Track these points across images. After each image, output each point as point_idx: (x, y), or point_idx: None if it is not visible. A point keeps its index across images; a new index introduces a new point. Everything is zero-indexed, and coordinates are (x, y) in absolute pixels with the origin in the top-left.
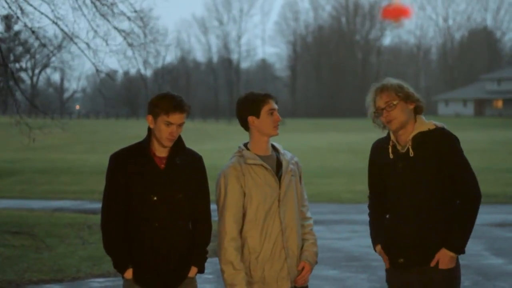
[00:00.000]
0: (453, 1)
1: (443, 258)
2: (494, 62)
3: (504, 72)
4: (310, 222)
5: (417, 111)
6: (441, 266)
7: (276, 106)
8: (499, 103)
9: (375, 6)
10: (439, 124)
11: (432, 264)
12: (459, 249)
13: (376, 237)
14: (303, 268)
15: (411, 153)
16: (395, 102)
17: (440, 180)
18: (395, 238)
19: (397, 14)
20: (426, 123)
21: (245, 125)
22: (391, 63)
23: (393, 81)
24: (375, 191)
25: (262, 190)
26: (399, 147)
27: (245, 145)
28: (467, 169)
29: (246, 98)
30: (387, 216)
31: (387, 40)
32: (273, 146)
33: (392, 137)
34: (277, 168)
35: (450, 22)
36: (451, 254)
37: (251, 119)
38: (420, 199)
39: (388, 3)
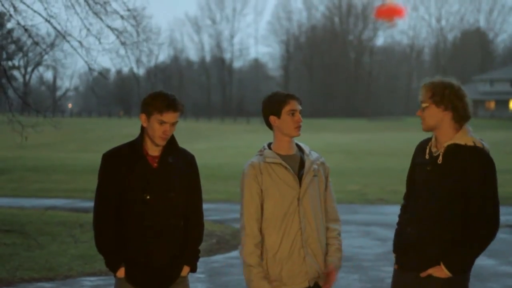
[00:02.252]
0: (446, 2)
1: (438, 273)
2: (486, 63)
3: (496, 73)
4: (336, 226)
5: (457, 118)
6: (435, 275)
7: (299, 107)
8: (492, 104)
9: (368, 6)
10: (480, 142)
11: (423, 275)
12: (456, 270)
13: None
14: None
15: (440, 160)
16: (424, 105)
17: (457, 195)
18: (400, 240)
19: (390, 14)
20: (466, 137)
21: (269, 125)
22: (384, 64)
23: (441, 80)
24: (406, 193)
25: (280, 188)
26: (433, 150)
27: (269, 145)
28: (491, 198)
29: (269, 98)
30: (405, 215)
31: (380, 41)
32: (299, 146)
33: (433, 138)
34: (300, 168)
35: (443, 22)
36: (447, 272)
37: (272, 119)
38: (433, 207)
39: (381, 3)
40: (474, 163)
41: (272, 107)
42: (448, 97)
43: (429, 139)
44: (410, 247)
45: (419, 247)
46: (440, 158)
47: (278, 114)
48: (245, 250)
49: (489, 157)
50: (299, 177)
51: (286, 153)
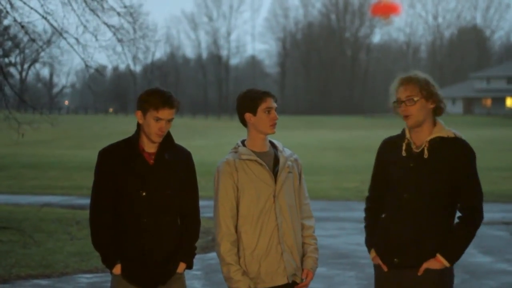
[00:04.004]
0: None
1: (435, 264)
2: (483, 61)
3: (493, 70)
4: (311, 223)
5: (437, 112)
6: (432, 267)
7: (274, 105)
8: (488, 102)
9: (364, 3)
10: (458, 134)
11: (420, 273)
12: (454, 260)
13: (371, 241)
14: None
15: (426, 155)
16: (415, 99)
17: (446, 188)
18: (391, 238)
19: (386, 11)
20: (445, 129)
21: (243, 122)
22: (381, 61)
23: (421, 75)
24: (376, 194)
25: (255, 185)
26: (413, 146)
27: (243, 142)
28: (477, 187)
29: (244, 95)
30: (383, 215)
31: (376, 38)
32: (272, 143)
33: (407, 135)
34: (275, 165)
35: (440, 20)
36: (445, 262)
37: (247, 116)
38: (424, 201)
39: (378, 0)
40: (461, 154)
41: (247, 104)
42: (432, 91)
43: (399, 136)
44: (407, 244)
45: (417, 243)
46: (426, 152)
47: (253, 111)
48: (222, 249)
49: (471, 147)
50: (274, 174)
51: (261, 150)
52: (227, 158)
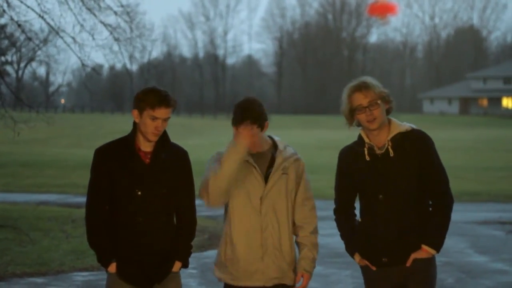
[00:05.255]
0: None
1: (422, 254)
2: (479, 61)
3: (489, 70)
4: (309, 224)
5: (389, 111)
6: (419, 257)
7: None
8: (484, 102)
9: (361, 3)
10: (413, 126)
11: (408, 264)
12: (439, 246)
13: (353, 246)
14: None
15: (391, 153)
16: (378, 102)
17: (417, 180)
18: (375, 240)
19: (383, 11)
20: (401, 125)
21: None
22: (377, 61)
23: (372, 80)
24: (344, 204)
25: (242, 184)
26: (375, 149)
27: None
28: (443, 171)
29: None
30: (360, 220)
31: (373, 38)
32: (274, 143)
33: (366, 139)
34: (270, 166)
35: (437, 20)
36: (431, 251)
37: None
38: (400, 199)
39: (375, 0)
40: (424, 143)
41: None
42: (385, 93)
43: (356, 144)
44: (393, 243)
45: (402, 240)
46: (391, 151)
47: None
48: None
49: (428, 135)
50: (267, 175)
51: (257, 151)
52: (221, 151)
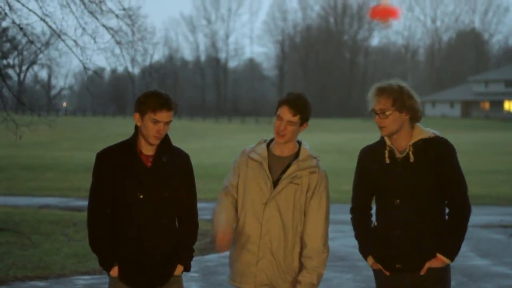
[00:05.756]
0: (442, 2)
1: (437, 263)
2: (481, 64)
3: (491, 74)
4: (315, 243)
5: (414, 120)
6: (434, 266)
7: (284, 115)
8: (486, 105)
9: (363, 6)
10: (437, 133)
11: (422, 272)
12: (454, 255)
13: (367, 248)
14: None
15: (411, 159)
16: (387, 113)
17: (435, 188)
18: (390, 245)
19: (385, 14)
20: (426, 131)
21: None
22: (379, 64)
23: (395, 85)
24: (361, 204)
25: (251, 186)
26: (396, 152)
27: (271, 139)
28: (463, 180)
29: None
30: (376, 223)
31: (375, 41)
32: (300, 151)
33: (388, 142)
34: (283, 172)
35: (438, 23)
36: (446, 260)
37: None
38: (417, 205)
39: (376, 4)
40: (445, 152)
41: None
42: (407, 102)
43: (378, 144)
44: (408, 249)
45: (417, 247)
46: (412, 156)
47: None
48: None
49: (451, 143)
50: (276, 180)
51: (280, 154)
52: (247, 148)
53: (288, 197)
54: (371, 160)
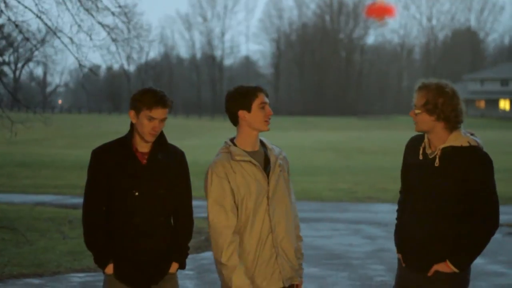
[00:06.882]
0: (437, 0)
1: (444, 268)
2: (477, 63)
3: (487, 72)
4: (297, 222)
5: (453, 127)
6: (441, 270)
7: (267, 100)
8: (482, 104)
9: (359, 4)
10: (474, 141)
11: (430, 274)
12: (463, 267)
13: (395, 238)
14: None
15: (437, 163)
16: (417, 112)
17: (458, 196)
18: (403, 241)
19: (381, 12)
20: (461, 138)
21: (235, 120)
22: (375, 62)
23: (436, 86)
24: (402, 195)
25: (250, 187)
26: (428, 151)
27: (232, 140)
28: (494, 194)
29: (236, 92)
30: (404, 215)
31: (370, 39)
32: (261, 141)
33: (425, 138)
34: (265, 164)
35: (434, 21)
36: (453, 268)
37: (241, 113)
38: (431, 208)
39: (372, 2)
40: (474, 164)
41: (241, 100)
42: (441, 108)
43: (420, 137)
44: (416, 248)
45: (425, 247)
46: (437, 161)
47: (248, 108)
48: (224, 255)
49: (487, 154)
50: (266, 173)
51: (252, 149)
52: (219, 158)
53: (282, 185)
54: (411, 152)
